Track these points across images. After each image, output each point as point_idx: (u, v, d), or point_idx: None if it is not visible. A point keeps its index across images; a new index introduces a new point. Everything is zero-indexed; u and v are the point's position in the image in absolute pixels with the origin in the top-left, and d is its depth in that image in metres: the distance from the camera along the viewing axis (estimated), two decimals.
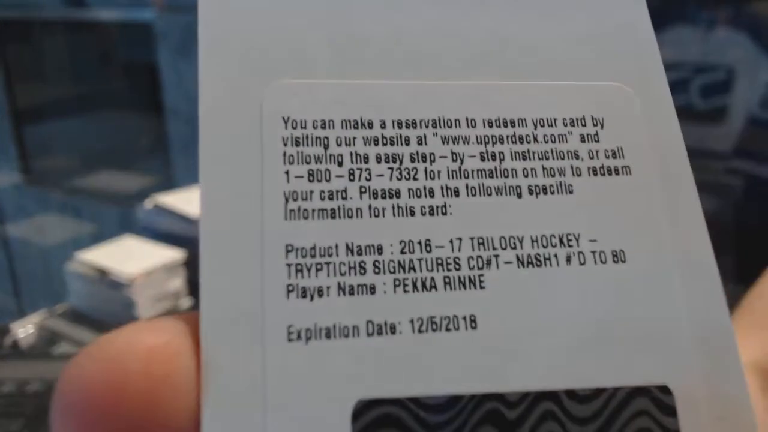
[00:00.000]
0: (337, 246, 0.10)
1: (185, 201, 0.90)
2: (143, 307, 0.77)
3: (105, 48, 1.98)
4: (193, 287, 0.84)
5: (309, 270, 0.10)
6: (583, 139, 0.12)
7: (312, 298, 0.10)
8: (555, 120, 0.12)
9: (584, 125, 0.12)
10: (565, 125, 0.12)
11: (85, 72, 2.03)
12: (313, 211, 0.11)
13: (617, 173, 0.12)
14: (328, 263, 0.10)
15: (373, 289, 0.10)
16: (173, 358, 0.09)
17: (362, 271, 0.10)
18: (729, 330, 0.11)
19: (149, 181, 1.79)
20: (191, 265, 0.84)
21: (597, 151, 0.12)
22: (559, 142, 0.12)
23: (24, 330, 0.75)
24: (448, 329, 0.10)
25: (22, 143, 1.98)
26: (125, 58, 1.95)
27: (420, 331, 0.10)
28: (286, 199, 0.11)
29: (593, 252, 0.11)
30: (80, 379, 0.09)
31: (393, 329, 0.10)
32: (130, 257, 0.80)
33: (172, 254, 0.81)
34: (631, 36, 0.13)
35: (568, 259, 0.11)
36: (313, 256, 0.10)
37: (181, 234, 0.87)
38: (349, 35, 0.12)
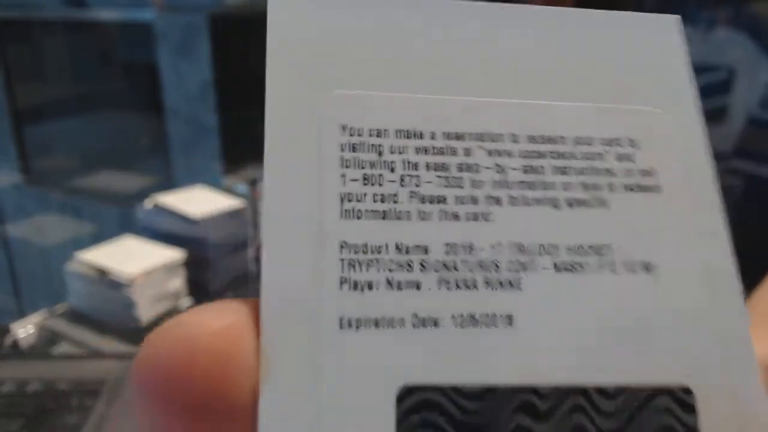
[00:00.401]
0: (387, 245, 0.11)
1: (185, 201, 0.90)
2: (143, 307, 0.77)
3: (105, 48, 1.98)
4: (192, 287, 0.84)
5: (361, 265, 0.11)
6: (619, 158, 0.13)
7: (362, 290, 0.11)
8: (592, 139, 0.13)
9: (620, 145, 0.13)
10: (602, 144, 0.13)
11: (85, 72, 2.03)
12: (366, 211, 0.12)
13: (650, 191, 0.12)
14: (378, 260, 0.11)
15: (418, 286, 0.11)
16: (237, 339, 0.10)
17: (409, 269, 0.11)
18: (747, 337, 0.12)
19: (149, 181, 1.80)
20: (191, 265, 0.84)
21: (631, 170, 0.13)
22: (596, 159, 0.13)
23: (24, 330, 0.75)
24: (487, 325, 0.11)
25: (22, 143, 1.98)
26: (125, 58, 1.95)
27: (461, 326, 0.11)
28: (342, 200, 0.11)
29: (624, 262, 0.12)
30: (154, 357, 0.10)
31: (436, 323, 0.11)
32: (130, 257, 0.80)
33: (172, 254, 0.81)
34: (666, 60, 0.14)
35: (601, 268, 0.12)
36: (365, 253, 0.11)
37: (180, 234, 0.87)
38: (402, 51, 0.13)
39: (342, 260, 0.11)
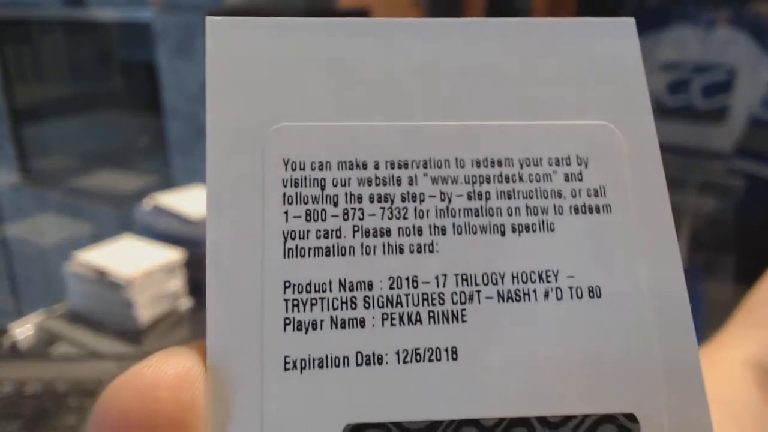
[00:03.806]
0: (330, 282, 0.11)
1: (184, 201, 0.90)
2: (142, 307, 0.76)
3: (104, 48, 1.98)
4: (192, 287, 0.84)
5: (305, 305, 0.11)
6: (567, 178, 0.12)
7: (307, 330, 0.11)
8: (540, 159, 0.13)
9: (569, 164, 0.13)
10: (550, 164, 0.13)
11: (84, 72, 2.03)
12: (310, 249, 0.12)
13: (598, 212, 0.12)
14: (322, 298, 0.11)
15: (362, 323, 0.11)
16: (194, 385, 0.10)
17: (353, 306, 0.11)
18: (697, 365, 0.11)
19: (148, 181, 1.79)
20: (190, 265, 0.84)
21: (580, 190, 0.12)
22: (544, 181, 0.12)
23: (22, 331, 0.75)
24: (430, 360, 0.11)
25: (21, 143, 1.97)
26: (124, 58, 1.95)
27: (405, 362, 0.11)
28: (285, 238, 0.12)
29: (570, 288, 0.12)
30: (117, 409, 0.10)
31: (380, 360, 0.11)
32: (129, 257, 0.80)
33: (171, 254, 0.81)
34: (620, 73, 0.13)
35: (546, 295, 0.12)
36: (309, 292, 0.11)
37: (180, 234, 0.87)
38: (346, 79, 0.13)
39: (286, 301, 0.11)
